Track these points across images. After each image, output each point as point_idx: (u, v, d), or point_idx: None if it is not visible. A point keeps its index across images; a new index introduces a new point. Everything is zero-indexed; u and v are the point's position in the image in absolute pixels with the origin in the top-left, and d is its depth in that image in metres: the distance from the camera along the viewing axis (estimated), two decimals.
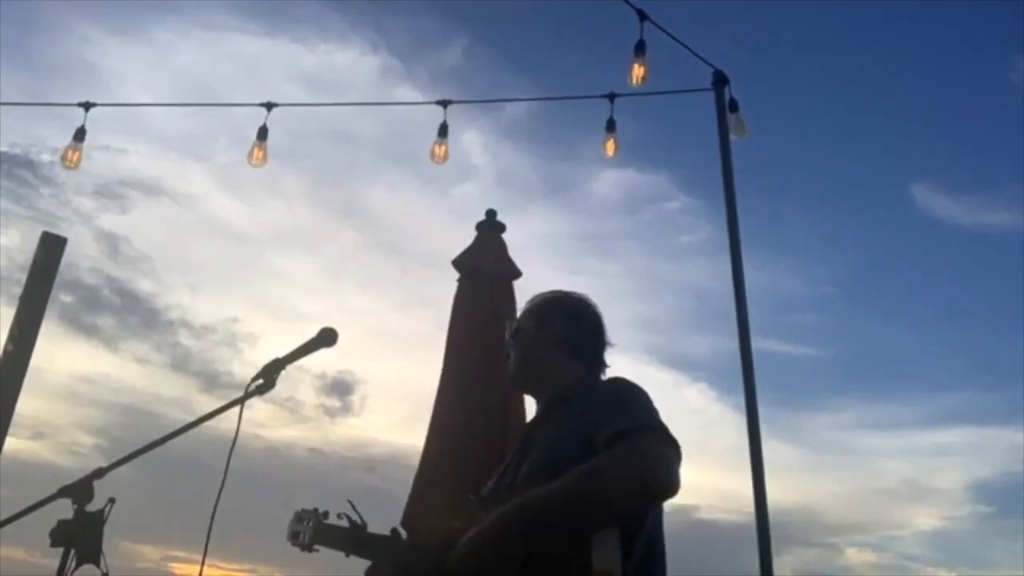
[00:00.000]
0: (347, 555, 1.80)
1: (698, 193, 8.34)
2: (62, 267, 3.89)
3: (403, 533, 1.82)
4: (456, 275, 4.10)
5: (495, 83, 8.46)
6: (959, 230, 8.60)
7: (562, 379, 1.95)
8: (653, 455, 1.59)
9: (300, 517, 1.85)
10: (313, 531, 1.81)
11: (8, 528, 1.60)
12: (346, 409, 8.84)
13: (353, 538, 1.80)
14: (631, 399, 1.75)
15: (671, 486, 1.57)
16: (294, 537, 1.85)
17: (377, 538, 1.83)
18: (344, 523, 1.80)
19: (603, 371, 2.01)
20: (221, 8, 7.53)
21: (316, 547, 1.81)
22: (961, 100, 8.21)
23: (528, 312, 2.08)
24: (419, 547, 1.82)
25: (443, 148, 4.69)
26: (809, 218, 9.05)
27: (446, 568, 1.65)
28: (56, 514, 1.61)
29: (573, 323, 2.01)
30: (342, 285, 9.15)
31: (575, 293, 2.09)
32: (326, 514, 1.82)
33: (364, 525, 1.81)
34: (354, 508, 1.81)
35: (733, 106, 4.05)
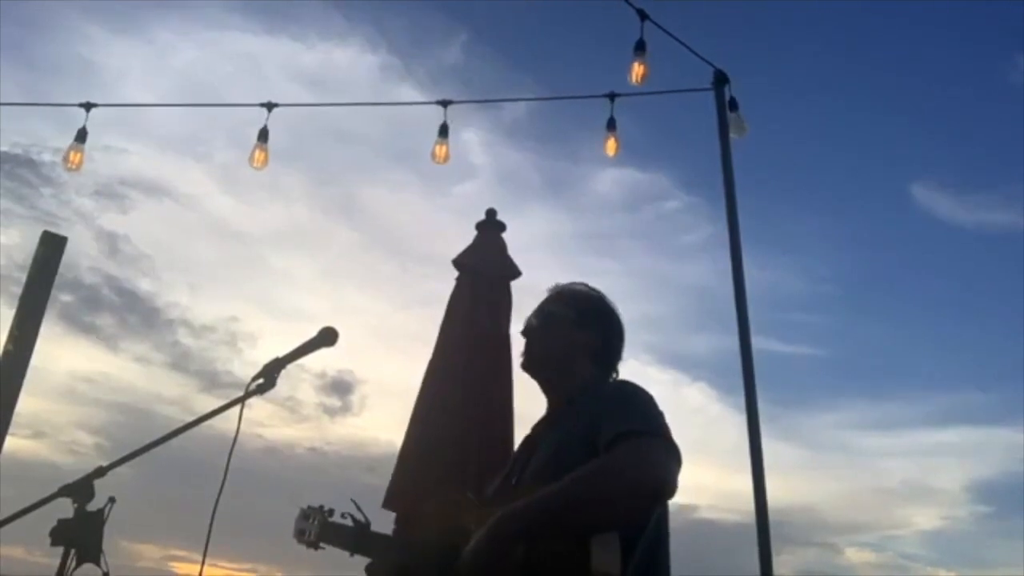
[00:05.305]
0: (351, 554, 1.82)
1: (698, 192, 8.36)
2: (62, 267, 3.90)
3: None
4: (456, 274, 4.10)
5: (495, 82, 8.48)
6: (959, 230, 8.63)
7: (576, 380, 1.93)
8: (652, 458, 1.58)
9: (306, 515, 1.90)
10: (319, 529, 1.85)
11: (8, 527, 1.60)
12: (346, 409, 8.85)
13: (357, 537, 1.83)
14: (635, 402, 1.74)
15: (669, 488, 1.58)
16: (300, 534, 1.89)
17: (379, 537, 1.86)
18: (348, 522, 1.84)
19: (612, 377, 2.00)
20: (221, 7, 7.56)
21: (322, 544, 1.85)
22: (961, 100, 8.23)
23: (565, 302, 2.00)
24: (418, 546, 1.82)
25: (444, 149, 4.68)
26: (809, 218, 9.08)
27: (447, 567, 1.65)
28: (56, 513, 1.61)
29: (608, 335, 2.00)
30: (342, 285, 9.16)
31: (606, 297, 2.04)
32: (331, 512, 1.86)
33: (368, 524, 1.84)
34: (358, 507, 1.84)
35: (733, 105, 4.05)
